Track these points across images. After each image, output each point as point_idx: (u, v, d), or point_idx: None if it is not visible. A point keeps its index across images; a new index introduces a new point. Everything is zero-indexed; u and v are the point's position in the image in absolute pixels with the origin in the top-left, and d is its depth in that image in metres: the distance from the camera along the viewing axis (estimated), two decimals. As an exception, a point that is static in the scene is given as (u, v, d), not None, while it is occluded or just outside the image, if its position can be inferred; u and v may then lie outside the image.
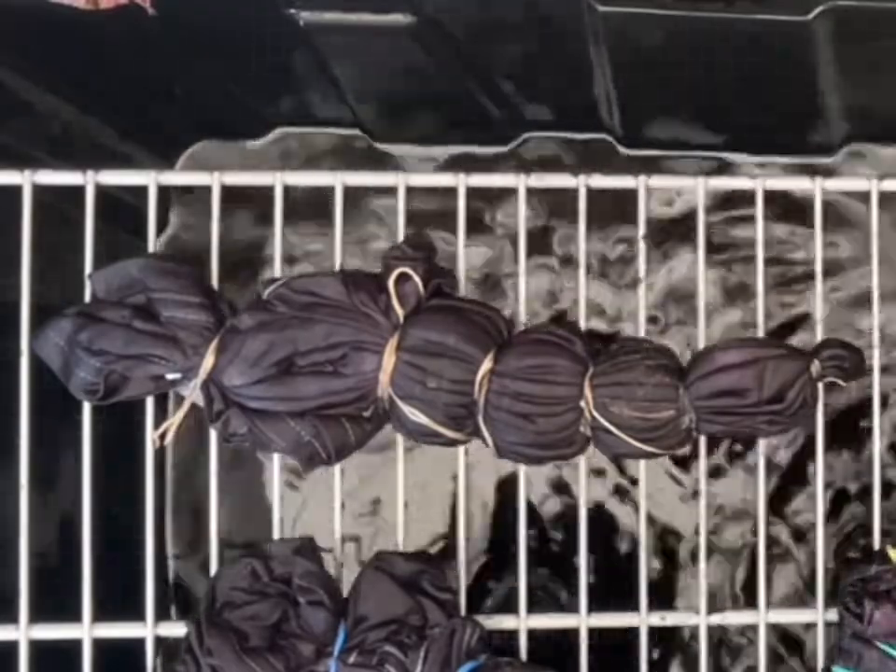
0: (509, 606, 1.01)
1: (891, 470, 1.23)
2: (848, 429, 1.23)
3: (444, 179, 0.97)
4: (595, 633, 0.93)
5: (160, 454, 0.93)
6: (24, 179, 0.91)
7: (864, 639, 0.88)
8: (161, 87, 1.06)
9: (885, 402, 1.20)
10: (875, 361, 0.95)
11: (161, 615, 0.92)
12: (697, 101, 1.10)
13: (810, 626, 1.00)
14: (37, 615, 0.90)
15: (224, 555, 0.91)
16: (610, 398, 0.86)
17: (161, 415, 0.92)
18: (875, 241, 0.96)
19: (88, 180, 0.92)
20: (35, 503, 0.90)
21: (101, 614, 0.91)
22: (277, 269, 0.93)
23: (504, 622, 0.93)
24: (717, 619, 0.95)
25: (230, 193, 0.93)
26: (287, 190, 0.93)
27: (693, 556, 1.22)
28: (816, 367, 0.86)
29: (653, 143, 1.19)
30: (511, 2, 0.94)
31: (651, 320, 1.23)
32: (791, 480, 1.26)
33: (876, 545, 0.93)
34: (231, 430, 0.86)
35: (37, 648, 0.90)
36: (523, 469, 0.93)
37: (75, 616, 0.90)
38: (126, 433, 0.95)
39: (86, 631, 0.90)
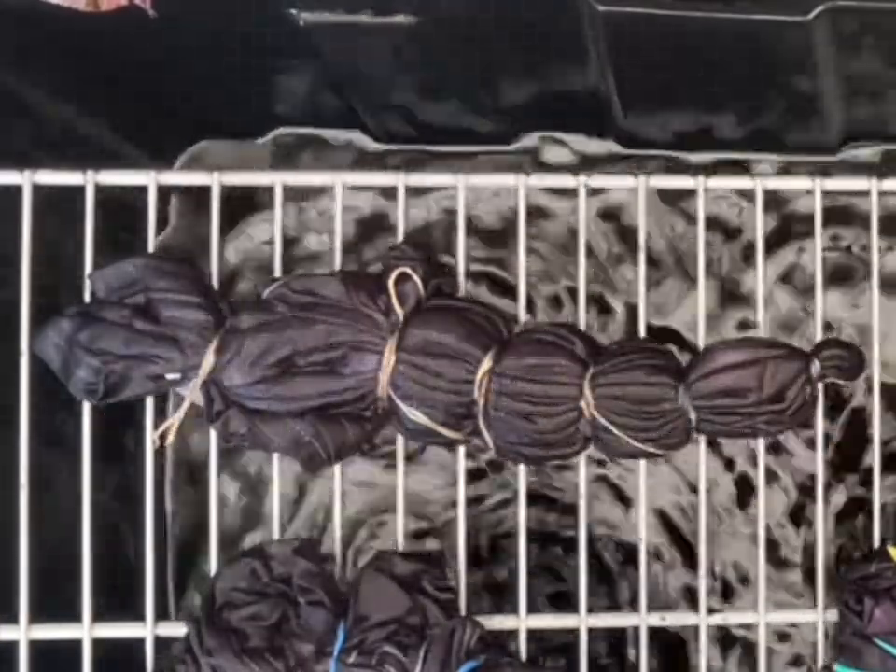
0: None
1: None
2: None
3: (444, 179, 0.97)
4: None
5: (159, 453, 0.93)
6: (24, 179, 0.91)
7: (864, 637, 0.88)
8: (161, 87, 1.06)
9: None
10: (875, 359, 0.95)
11: (161, 615, 0.93)
12: (697, 101, 1.10)
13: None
14: (37, 615, 0.90)
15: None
16: (610, 398, 0.86)
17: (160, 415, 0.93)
18: (875, 240, 0.96)
19: (88, 180, 0.92)
20: (34, 503, 0.90)
21: (101, 614, 0.91)
22: (277, 269, 0.93)
23: (504, 622, 0.93)
24: (717, 619, 0.95)
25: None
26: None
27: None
28: (816, 367, 0.86)
29: (653, 143, 1.19)
30: (511, 2, 0.94)
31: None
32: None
33: (877, 543, 0.94)
34: (230, 430, 0.86)
35: (37, 648, 0.90)
36: (522, 469, 0.93)
37: (75, 616, 0.91)
38: (126, 433, 0.95)
39: (86, 631, 0.90)
